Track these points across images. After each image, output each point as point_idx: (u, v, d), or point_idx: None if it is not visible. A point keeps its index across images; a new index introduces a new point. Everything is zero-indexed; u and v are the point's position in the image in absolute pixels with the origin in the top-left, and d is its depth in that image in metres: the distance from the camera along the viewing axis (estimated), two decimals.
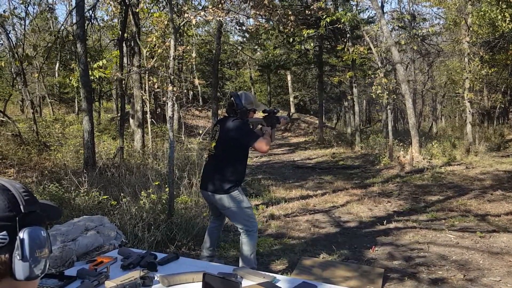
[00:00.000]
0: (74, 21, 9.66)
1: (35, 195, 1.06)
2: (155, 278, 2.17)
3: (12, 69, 17.91)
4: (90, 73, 9.11)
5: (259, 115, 4.42)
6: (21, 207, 0.98)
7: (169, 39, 9.15)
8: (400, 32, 18.72)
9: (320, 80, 21.17)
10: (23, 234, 0.95)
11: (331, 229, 6.43)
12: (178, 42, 11.38)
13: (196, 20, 8.94)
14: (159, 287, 2.13)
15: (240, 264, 4.06)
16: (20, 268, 0.95)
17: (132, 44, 12.99)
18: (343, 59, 17.66)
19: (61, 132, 15.27)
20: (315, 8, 12.27)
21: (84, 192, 6.28)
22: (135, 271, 2.16)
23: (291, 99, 30.69)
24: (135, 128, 12.69)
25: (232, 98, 4.08)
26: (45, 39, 18.92)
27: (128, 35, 12.91)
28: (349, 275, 4.40)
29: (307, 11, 13.15)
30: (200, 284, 2.00)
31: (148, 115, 12.65)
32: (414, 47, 17.62)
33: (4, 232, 0.94)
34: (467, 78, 15.26)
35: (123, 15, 10.90)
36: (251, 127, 4.15)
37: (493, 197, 8.33)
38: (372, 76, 15.67)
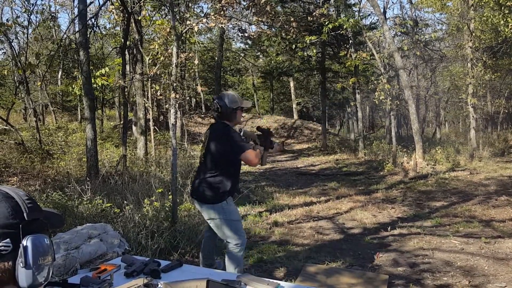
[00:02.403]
0: (77, 29, 9.70)
1: (38, 203, 1.06)
2: (159, 285, 2.15)
3: (15, 78, 18.00)
4: (92, 81, 9.14)
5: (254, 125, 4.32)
6: (25, 214, 0.97)
7: (172, 46, 9.18)
8: (403, 38, 18.73)
9: (323, 87, 21.18)
10: (26, 242, 0.95)
11: (335, 236, 6.40)
12: (181, 50, 11.43)
13: (198, 27, 8.98)
14: None
15: None
16: (23, 276, 0.95)
17: (135, 52, 13.05)
18: (346, 65, 17.67)
19: (64, 140, 15.30)
20: (317, 14, 12.33)
21: (87, 200, 6.28)
22: (139, 279, 2.15)
23: (294, 105, 30.73)
24: (138, 135, 12.72)
25: (215, 101, 3.82)
26: (47, 47, 19.03)
27: (131, 43, 12.96)
28: (354, 282, 4.37)
29: (309, 18, 13.20)
30: None
31: (151, 123, 12.68)
32: (417, 53, 17.63)
33: (8, 240, 0.93)
34: (470, 83, 15.25)
35: (126, 23, 10.94)
36: (244, 138, 3.88)
37: (498, 203, 8.29)
38: (375, 82, 15.67)
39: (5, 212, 0.95)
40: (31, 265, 0.95)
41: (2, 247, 0.93)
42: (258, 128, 4.12)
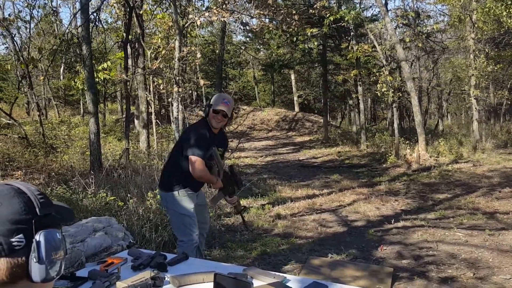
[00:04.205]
0: (79, 23, 9.69)
1: (50, 198, 1.06)
2: (166, 278, 2.16)
3: (18, 72, 18.00)
4: (95, 75, 9.13)
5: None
6: (37, 209, 0.98)
7: (173, 40, 9.18)
8: (405, 30, 18.67)
9: (324, 79, 21.14)
10: (39, 237, 0.96)
11: (338, 229, 6.41)
12: (183, 43, 11.42)
13: (200, 21, 8.97)
14: (170, 287, 2.13)
15: None
16: (36, 270, 0.95)
17: (137, 46, 13.03)
18: (347, 58, 17.61)
19: (67, 134, 15.33)
20: (318, 6, 12.27)
21: (91, 194, 6.30)
22: (146, 272, 2.16)
23: (295, 98, 30.67)
24: (140, 129, 12.72)
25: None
26: (50, 42, 19.00)
27: (132, 37, 12.94)
28: (358, 274, 4.38)
29: (310, 10, 13.14)
30: (211, 284, 1.99)
31: (153, 116, 12.68)
32: (418, 45, 17.55)
33: (21, 235, 0.94)
34: (472, 75, 15.19)
35: (127, 17, 10.92)
36: (211, 156, 3.57)
37: (502, 195, 8.28)
38: (377, 74, 15.63)
39: (18, 208, 0.95)
40: (44, 260, 0.96)
41: (16, 243, 0.93)
42: (231, 167, 3.81)
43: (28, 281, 0.96)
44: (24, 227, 0.95)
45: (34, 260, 0.95)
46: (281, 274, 2.28)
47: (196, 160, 3.42)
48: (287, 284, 2.15)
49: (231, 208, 3.96)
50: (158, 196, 3.73)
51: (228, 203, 3.91)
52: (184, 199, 3.58)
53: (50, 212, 1.01)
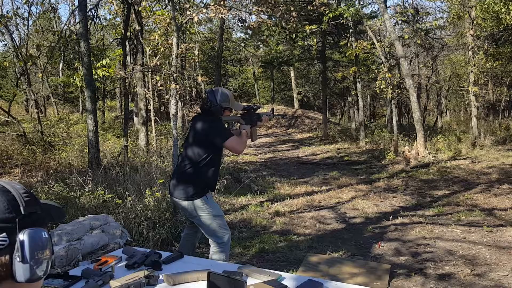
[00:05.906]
0: (77, 20, 9.66)
1: (36, 196, 1.05)
2: (160, 277, 2.16)
3: (16, 69, 17.97)
4: (93, 72, 9.12)
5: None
6: (21, 208, 0.96)
7: (172, 37, 9.14)
8: (404, 27, 18.61)
9: (323, 76, 21.11)
10: (23, 236, 0.94)
11: (336, 225, 6.41)
12: (181, 40, 11.38)
13: (198, 18, 8.94)
14: (164, 286, 2.12)
15: None
16: (20, 270, 0.94)
17: (135, 43, 13.00)
18: (347, 55, 17.58)
19: (65, 132, 15.32)
20: (317, 3, 12.23)
21: (89, 191, 6.28)
22: (140, 271, 2.15)
23: (295, 95, 30.65)
24: (139, 126, 12.71)
25: (207, 95, 3.69)
26: (48, 39, 18.97)
27: (131, 34, 12.91)
28: (356, 271, 4.37)
29: (309, 7, 13.10)
30: (205, 282, 1.98)
31: (152, 113, 12.66)
32: (417, 41, 17.50)
33: (4, 234, 0.93)
34: (471, 71, 15.17)
35: (126, 13, 10.88)
36: (227, 126, 3.77)
37: (500, 191, 8.27)
38: (376, 71, 15.60)
39: (1, 206, 0.94)
40: (28, 260, 0.94)
41: None
42: (243, 108, 3.96)
43: (13, 281, 0.95)
44: (7, 226, 0.93)
45: (18, 259, 0.93)
46: (276, 271, 2.28)
47: (232, 141, 3.58)
48: (283, 281, 2.15)
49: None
50: (173, 204, 3.69)
51: (265, 123, 4.13)
52: (211, 200, 3.67)
53: (35, 210, 1.00)
